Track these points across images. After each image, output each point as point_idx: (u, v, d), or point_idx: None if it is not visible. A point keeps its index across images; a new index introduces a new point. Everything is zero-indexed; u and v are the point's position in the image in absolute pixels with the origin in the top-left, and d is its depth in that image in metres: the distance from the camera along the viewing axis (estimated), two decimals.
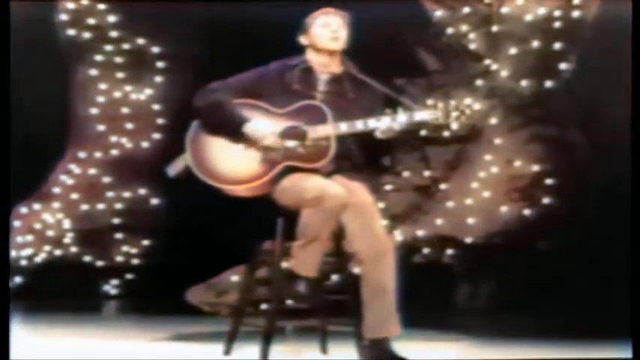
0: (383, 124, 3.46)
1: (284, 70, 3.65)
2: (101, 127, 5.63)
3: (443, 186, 5.39)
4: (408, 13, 5.29)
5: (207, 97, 3.60)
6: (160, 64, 5.68)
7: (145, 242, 5.63)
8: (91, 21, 5.59)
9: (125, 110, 5.65)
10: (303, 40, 3.71)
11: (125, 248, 5.64)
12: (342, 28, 3.66)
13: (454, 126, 4.63)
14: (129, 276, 5.63)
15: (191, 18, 5.45)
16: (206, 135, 3.56)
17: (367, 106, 3.59)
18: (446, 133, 5.29)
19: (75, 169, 5.63)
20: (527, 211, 5.18)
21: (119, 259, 5.64)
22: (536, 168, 5.20)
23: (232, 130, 3.51)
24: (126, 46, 5.63)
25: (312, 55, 3.68)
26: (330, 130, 3.47)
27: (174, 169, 3.60)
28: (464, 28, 5.35)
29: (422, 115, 3.50)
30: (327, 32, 3.61)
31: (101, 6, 5.60)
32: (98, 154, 5.64)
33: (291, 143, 3.49)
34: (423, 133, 5.26)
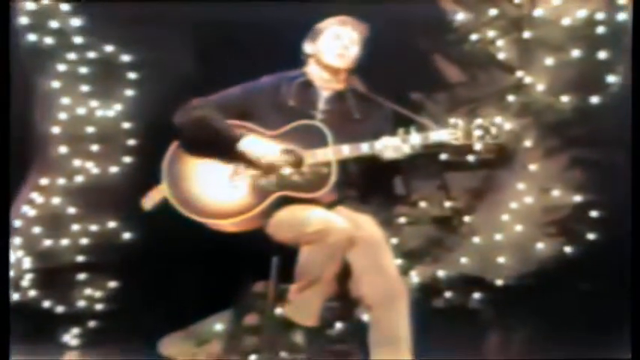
0: (392, 147, 3.51)
1: (279, 85, 3.75)
2: (64, 149, 5.61)
3: (467, 218, 5.36)
4: (424, 16, 5.27)
5: (190, 112, 3.69)
6: (130, 76, 5.66)
7: (112, 284, 5.61)
8: (54, 24, 5.57)
9: (90, 129, 5.63)
10: (307, 47, 3.80)
11: (89, 291, 5.60)
12: (354, 45, 3.75)
13: (477, 147, 4.93)
14: (92, 324, 5.59)
15: (168, 20, 5.41)
16: (187, 159, 3.66)
17: (375, 127, 3.70)
18: (470, 157, 5.30)
19: (37, 198, 5.61)
20: (567, 249, 5.16)
21: (82, 304, 5.60)
22: (578, 198, 5.18)
23: (224, 148, 3.59)
24: (91, 54, 5.62)
25: (314, 67, 3.77)
26: (331, 154, 3.55)
27: (150, 200, 3.71)
28: (490, 33, 5.35)
29: (438, 135, 3.58)
30: (336, 46, 3.70)
31: (64, 6, 5.59)
32: (61, 181, 5.60)
33: (286, 169, 3.55)
34: (443, 156, 5.29)
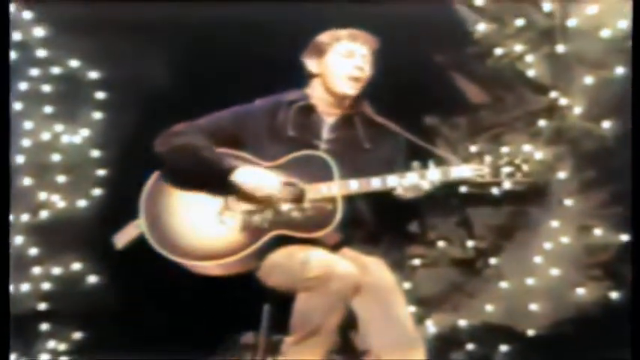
0: (407, 182, 3.50)
1: (275, 109, 3.74)
2: (27, 181, 5.53)
3: (493, 260, 5.35)
4: (439, 26, 5.23)
5: (173, 139, 3.67)
6: (99, 95, 5.59)
7: (78, 335, 5.54)
8: (16, 36, 5.45)
9: (55, 157, 5.57)
10: (311, 64, 3.78)
11: (52, 344, 5.55)
12: (367, 65, 3.74)
13: (506, 185, 4.96)
14: None
15: (143, 30, 5.31)
16: (168, 191, 3.64)
17: (386, 157, 3.70)
18: (496, 190, 5.26)
19: None
20: (613, 294, 5.10)
21: (44, 358, 5.53)
22: (624, 237, 5.10)
23: (213, 180, 3.56)
24: (55, 69, 5.54)
25: (318, 89, 3.77)
26: (336, 189, 3.52)
27: (123, 238, 3.67)
28: (518, 47, 5.32)
29: (460, 171, 3.54)
30: (348, 67, 3.68)
31: (27, 15, 5.47)
32: (25, 217, 5.53)
33: (284, 206, 3.54)
34: (463, 189, 5.26)
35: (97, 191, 5.61)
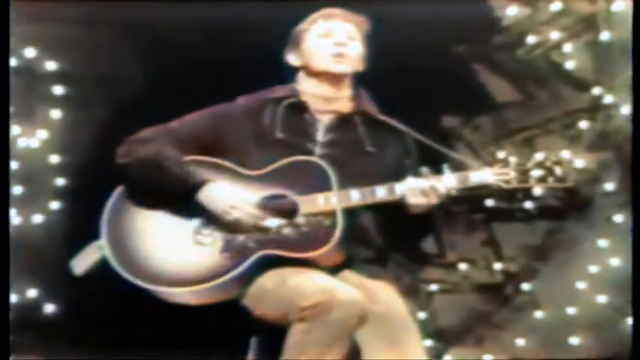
0: (419, 191, 3.42)
1: (260, 108, 3.66)
2: None
3: (526, 286, 5.35)
4: (461, 12, 5.24)
5: (137, 149, 3.60)
6: (57, 90, 5.54)
7: None
8: None
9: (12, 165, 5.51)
10: (291, 57, 3.73)
11: None
12: (354, 40, 3.67)
13: (538, 192, 4.91)
14: None
15: (111, 17, 5.29)
16: (134, 208, 3.57)
17: (393, 163, 3.61)
18: (528, 204, 5.26)
19: None
20: None
21: None
22: None
23: (181, 197, 3.48)
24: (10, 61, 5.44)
25: (307, 82, 3.69)
26: (335, 200, 3.45)
27: (82, 262, 3.58)
28: (554, 35, 5.32)
29: (481, 175, 3.46)
30: (328, 45, 3.62)
31: None
32: None
33: (272, 221, 3.46)
34: (490, 202, 5.30)
35: (54, 205, 5.54)
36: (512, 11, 5.33)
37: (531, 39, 5.36)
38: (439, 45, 5.25)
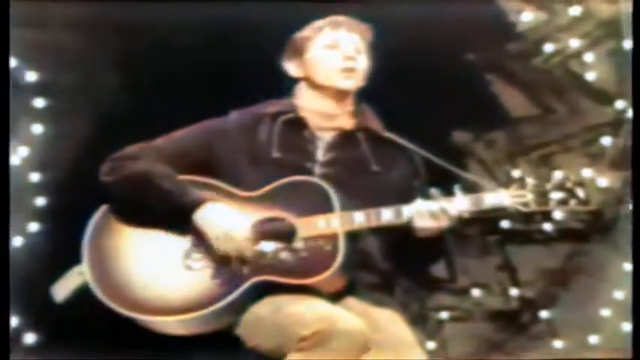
0: (428, 214, 3.40)
1: (255, 125, 3.63)
2: None
3: (544, 313, 5.34)
4: (472, 16, 5.16)
5: (124, 166, 3.57)
6: (38, 103, 5.49)
7: None
8: None
9: None
10: (291, 68, 3.69)
11: None
12: (360, 54, 3.63)
13: (558, 216, 4.96)
14: None
15: (94, 23, 5.21)
16: (119, 231, 3.54)
17: (400, 183, 3.60)
18: (547, 226, 5.26)
19: None
20: None
21: None
22: None
23: (174, 217, 3.44)
24: None
25: (307, 96, 3.66)
26: (336, 223, 3.42)
27: (63, 289, 3.58)
28: (574, 42, 5.28)
29: (496, 197, 3.44)
30: (335, 58, 3.58)
31: None
32: None
33: (268, 246, 3.42)
34: (505, 224, 5.30)
35: (33, 226, 5.49)
36: (527, 16, 5.27)
37: (548, 47, 5.32)
38: (448, 53, 5.20)
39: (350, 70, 3.57)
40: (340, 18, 3.68)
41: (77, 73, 5.36)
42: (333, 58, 3.60)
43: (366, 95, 3.68)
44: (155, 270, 3.48)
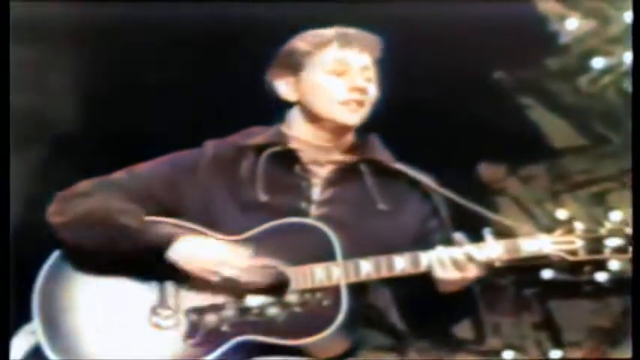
0: (449, 262, 3.32)
1: (236, 159, 3.57)
2: None
3: None
4: (503, 23, 5.05)
5: (75, 204, 3.50)
6: None
7: None
8: None
9: None
10: (281, 87, 3.58)
11: None
12: (371, 82, 3.53)
13: (614, 266, 4.77)
14: None
15: (48, 32, 5.09)
16: (74, 281, 3.49)
17: (415, 224, 3.54)
18: (601, 276, 5.13)
19: None
20: None
21: None
22: None
23: (143, 259, 3.38)
24: None
25: (301, 125, 3.59)
26: (338, 273, 3.36)
27: (15, 352, 3.59)
28: (628, 57, 5.16)
29: (537, 244, 3.37)
30: (341, 88, 3.47)
31: None
32: None
33: (254, 299, 3.38)
34: (547, 274, 5.25)
35: None
36: (572, 24, 5.15)
37: (598, 62, 5.17)
38: (474, 70, 5.15)
39: (359, 103, 3.43)
40: (350, 32, 3.56)
41: (28, 97, 5.24)
42: (338, 88, 3.47)
43: (373, 123, 3.57)
44: (117, 328, 3.40)
